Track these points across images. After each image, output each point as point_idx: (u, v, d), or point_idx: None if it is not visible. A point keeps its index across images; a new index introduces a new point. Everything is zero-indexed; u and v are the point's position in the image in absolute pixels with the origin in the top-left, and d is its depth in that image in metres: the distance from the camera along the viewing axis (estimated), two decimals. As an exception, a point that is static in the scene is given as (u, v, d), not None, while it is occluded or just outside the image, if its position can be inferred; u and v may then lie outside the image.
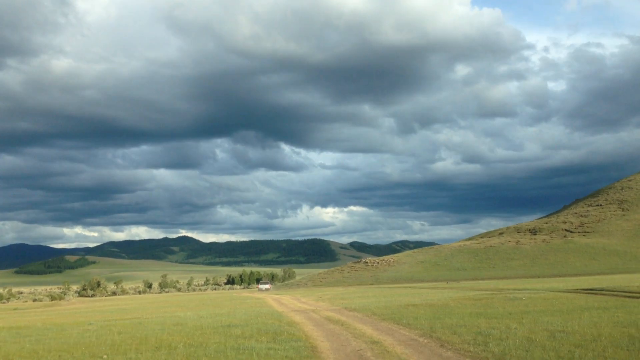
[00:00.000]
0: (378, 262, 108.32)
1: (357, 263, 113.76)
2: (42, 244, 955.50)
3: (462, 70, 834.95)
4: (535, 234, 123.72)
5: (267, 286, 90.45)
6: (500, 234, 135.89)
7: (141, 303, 56.25)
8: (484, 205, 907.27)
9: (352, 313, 24.17)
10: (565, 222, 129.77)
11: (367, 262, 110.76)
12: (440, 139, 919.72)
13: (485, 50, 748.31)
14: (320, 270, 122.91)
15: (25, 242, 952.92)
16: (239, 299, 51.62)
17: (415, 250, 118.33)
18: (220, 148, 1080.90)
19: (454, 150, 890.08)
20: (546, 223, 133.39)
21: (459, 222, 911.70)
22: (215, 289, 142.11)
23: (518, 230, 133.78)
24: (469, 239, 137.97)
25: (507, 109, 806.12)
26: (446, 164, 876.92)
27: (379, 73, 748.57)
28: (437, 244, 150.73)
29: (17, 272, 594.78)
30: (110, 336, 18.46)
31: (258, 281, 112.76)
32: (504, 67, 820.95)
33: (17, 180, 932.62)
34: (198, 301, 51.00)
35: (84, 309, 48.78)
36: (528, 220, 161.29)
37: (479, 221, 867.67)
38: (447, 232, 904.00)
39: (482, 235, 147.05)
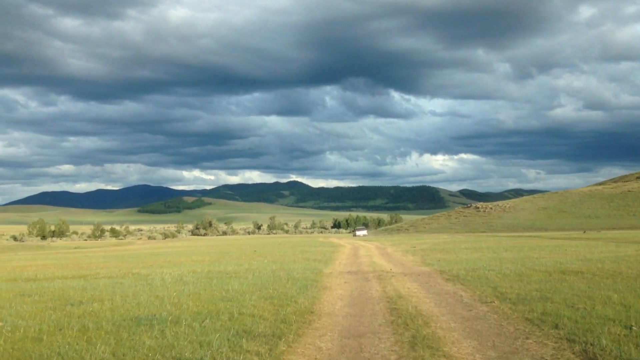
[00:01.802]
0: (491, 208, 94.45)
1: (466, 208, 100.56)
2: (164, 185, 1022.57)
3: (586, 11, 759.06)
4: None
5: (364, 232, 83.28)
6: (639, 177, 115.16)
7: (205, 245, 48.57)
8: (606, 153, 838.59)
9: (453, 286, 12.98)
10: None
11: (478, 208, 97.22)
12: (559, 85, 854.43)
13: None
14: (425, 216, 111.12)
15: (148, 184, 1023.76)
16: (313, 245, 42.10)
17: (536, 195, 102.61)
18: (329, 95, 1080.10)
19: (574, 96, 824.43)
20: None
21: (578, 170, 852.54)
22: (321, 232, 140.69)
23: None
24: (600, 184, 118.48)
25: (635, 52, 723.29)
26: (566, 111, 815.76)
27: (495, 16, 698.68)
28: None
29: (139, 211, 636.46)
30: None
31: (355, 227, 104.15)
32: (633, 8, 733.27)
33: (139, 126, 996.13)
34: (259, 247, 42.09)
35: (134, 251, 41.65)
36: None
37: (600, 170, 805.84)
38: (565, 180, 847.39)
39: (615, 180, 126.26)
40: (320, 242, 51.51)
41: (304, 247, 38.32)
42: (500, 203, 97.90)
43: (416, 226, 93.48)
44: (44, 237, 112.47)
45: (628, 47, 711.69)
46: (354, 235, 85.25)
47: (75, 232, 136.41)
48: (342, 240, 60.85)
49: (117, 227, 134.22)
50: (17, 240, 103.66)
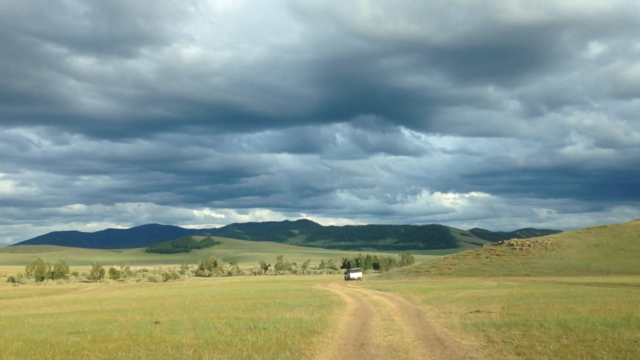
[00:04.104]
0: (529, 245, 78.90)
1: (497, 245, 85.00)
2: (173, 224, 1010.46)
3: (596, 48, 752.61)
4: None
5: (359, 274, 71.60)
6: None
7: (175, 292, 34.03)
8: (618, 192, 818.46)
9: None
10: None
11: (512, 245, 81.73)
12: (570, 122, 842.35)
13: (622, 25, 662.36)
14: (447, 255, 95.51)
15: (158, 223, 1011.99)
16: (293, 299, 27.15)
17: (579, 230, 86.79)
18: (340, 132, 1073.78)
19: (585, 134, 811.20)
20: None
21: (590, 210, 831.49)
22: (330, 272, 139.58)
23: None
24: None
25: None
26: (577, 149, 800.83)
27: (504, 53, 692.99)
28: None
29: (147, 251, 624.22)
30: None
31: (347, 268, 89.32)
32: None
33: (151, 164, 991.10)
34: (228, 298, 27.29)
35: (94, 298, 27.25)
36: None
37: (612, 209, 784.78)
38: (577, 220, 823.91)
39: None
40: (314, 292, 36.58)
41: (275, 306, 23.56)
42: (540, 239, 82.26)
43: (439, 267, 78.09)
44: (42, 279, 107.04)
45: (639, 84, 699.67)
46: (347, 278, 71.42)
47: (75, 273, 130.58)
48: (346, 287, 45.90)
49: (118, 268, 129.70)
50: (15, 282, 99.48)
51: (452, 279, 58.12)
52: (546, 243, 78.22)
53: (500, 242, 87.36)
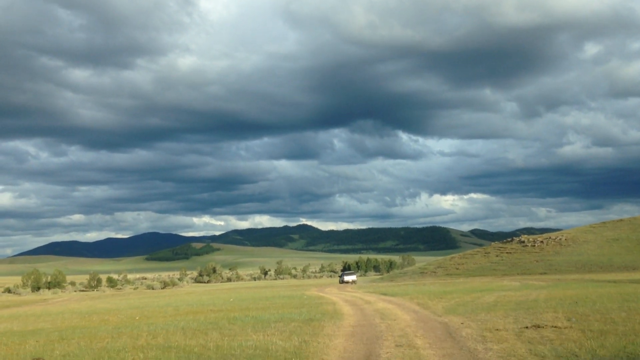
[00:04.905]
0: (542, 241, 73.28)
1: (507, 243, 79.41)
2: (173, 232, 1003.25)
3: (592, 48, 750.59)
4: None
5: (353, 277, 69.02)
6: None
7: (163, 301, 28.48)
8: (616, 190, 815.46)
9: None
10: None
11: (523, 241, 76.08)
12: (567, 122, 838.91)
13: (617, 26, 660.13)
14: (453, 254, 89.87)
15: (158, 231, 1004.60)
16: (279, 309, 21.51)
17: (594, 225, 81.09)
18: (337, 138, 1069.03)
19: (583, 133, 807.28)
20: None
21: (589, 208, 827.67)
22: (330, 276, 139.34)
23: None
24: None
25: None
26: (574, 148, 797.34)
27: (500, 56, 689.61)
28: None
29: (147, 259, 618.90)
30: None
31: (342, 272, 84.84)
32: (638, 44, 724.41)
33: (150, 173, 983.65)
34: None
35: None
36: None
37: (611, 207, 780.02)
38: (576, 218, 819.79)
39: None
40: (305, 299, 30.70)
41: (244, 322, 17.85)
42: (553, 235, 76.60)
43: (445, 267, 72.52)
44: (38, 289, 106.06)
45: (635, 83, 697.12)
46: (342, 281, 68.10)
47: (72, 283, 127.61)
48: (344, 291, 40.06)
49: (115, 276, 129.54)
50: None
51: (462, 280, 52.48)
52: (560, 239, 72.58)
53: (509, 239, 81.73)
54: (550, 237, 74.49)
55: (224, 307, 24.72)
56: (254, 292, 46.07)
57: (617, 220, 79.51)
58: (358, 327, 15.21)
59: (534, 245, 72.06)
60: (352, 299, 28.37)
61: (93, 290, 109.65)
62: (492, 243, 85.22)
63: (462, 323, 14.73)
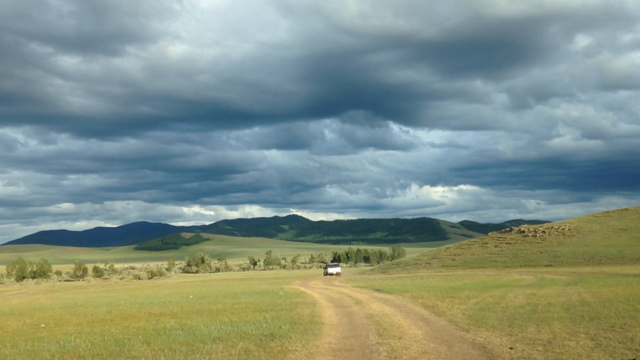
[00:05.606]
0: (543, 231, 68.84)
1: (506, 233, 75.00)
2: (163, 222, 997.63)
3: (582, 40, 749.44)
4: None
5: (337, 269, 66.34)
6: None
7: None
8: (605, 182, 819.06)
9: None
10: None
11: (523, 231, 71.68)
12: (557, 114, 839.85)
13: (608, 18, 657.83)
14: (448, 245, 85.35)
15: (147, 221, 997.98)
16: (247, 310, 16.62)
17: (598, 214, 76.88)
18: (328, 128, 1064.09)
19: (572, 125, 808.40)
20: None
21: (578, 200, 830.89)
22: (320, 266, 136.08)
23: None
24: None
25: (632, 80, 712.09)
26: (564, 140, 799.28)
27: (492, 47, 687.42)
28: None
29: (136, 249, 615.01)
30: None
31: (327, 264, 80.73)
32: (629, 36, 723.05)
33: (140, 162, 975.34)
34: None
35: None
36: None
37: (600, 199, 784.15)
38: (565, 210, 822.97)
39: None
40: (280, 297, 25.43)
41: (173, 340, 12.90)
42: (555, 225, 72.18)
43: (440, 258, 68.00)
44: (23, 278, 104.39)
45: (625, 76, 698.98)
46: (326, 274, 64.93)
47: (58, 272, 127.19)
48: (331, 285, 35.07)
49: (101, 266, 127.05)
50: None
51: (461, 272, 47.84)
52: (563, 229, 68.19)
53: (508, 229, 77.29)
54: (552, 227, 70.07)
55: (168, 310, 19.55)
56: (225, 286, 41.05)
57: (622, 209, 75.24)
58: (342, 354, 10.29)
59: (535, 236, 67.64)
60: (339, 297, 23.49)
61: (79, 279, 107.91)
62: (490, 233, 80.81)
63: (511, 348, 9.79)
